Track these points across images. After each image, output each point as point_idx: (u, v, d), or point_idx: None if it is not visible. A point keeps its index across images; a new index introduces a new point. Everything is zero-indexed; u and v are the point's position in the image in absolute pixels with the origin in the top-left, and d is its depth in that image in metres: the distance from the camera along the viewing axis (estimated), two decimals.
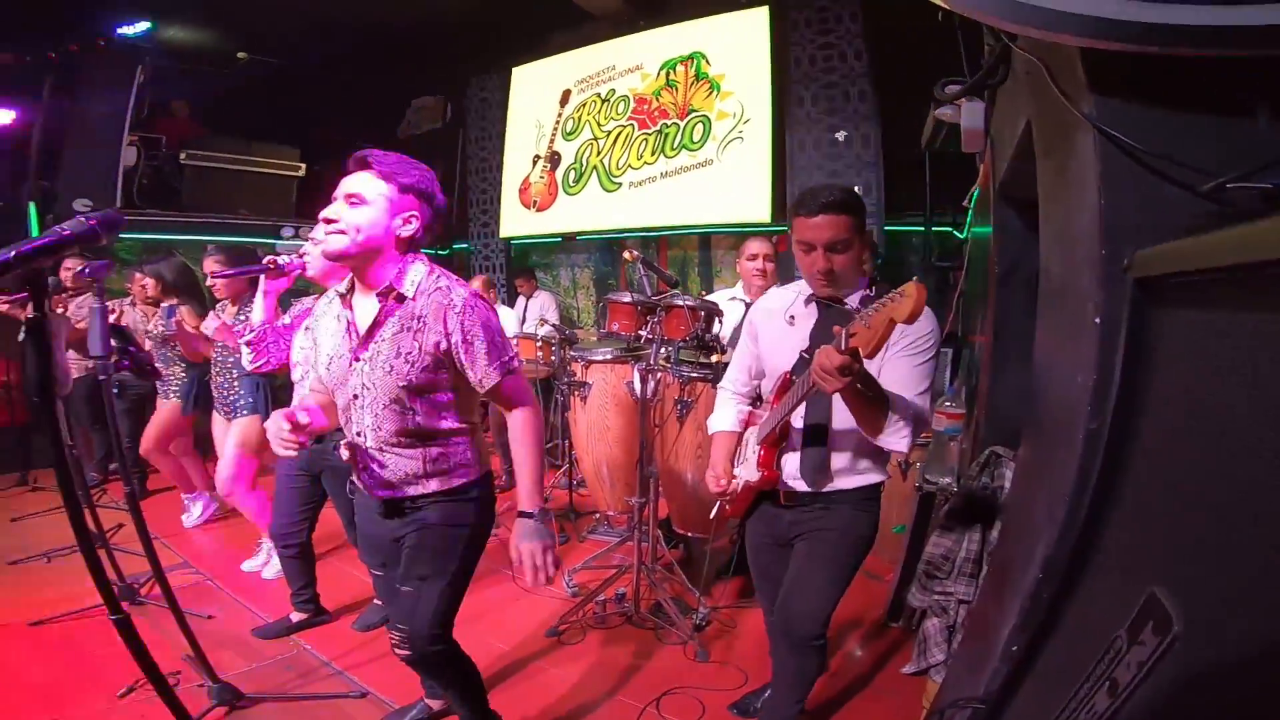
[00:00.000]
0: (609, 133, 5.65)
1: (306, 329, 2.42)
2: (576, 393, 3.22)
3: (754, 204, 4.76)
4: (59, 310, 4.00)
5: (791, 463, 1.72)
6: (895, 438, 1.53)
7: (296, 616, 2.68)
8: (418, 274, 1.53)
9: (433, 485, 1.60)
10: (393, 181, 1.48)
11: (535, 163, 6.11)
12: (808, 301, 1.73)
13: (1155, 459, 1.00)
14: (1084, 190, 1.09)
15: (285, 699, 2.24)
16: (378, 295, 1.52)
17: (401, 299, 1.51)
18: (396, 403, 1.54)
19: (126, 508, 3.52)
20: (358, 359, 1.54)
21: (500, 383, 1.55)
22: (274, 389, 3.00)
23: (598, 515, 3.71)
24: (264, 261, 2.37)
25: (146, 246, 5.22)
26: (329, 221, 1.47)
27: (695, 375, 2.77)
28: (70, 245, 1.13)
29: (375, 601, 2.73)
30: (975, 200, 3.07)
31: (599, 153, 5.71)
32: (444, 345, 1.50)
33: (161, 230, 5.32)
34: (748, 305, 3.16)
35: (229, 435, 2.99)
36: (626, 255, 2.72)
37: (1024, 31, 0.97)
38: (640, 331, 2.72)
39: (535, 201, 6.08)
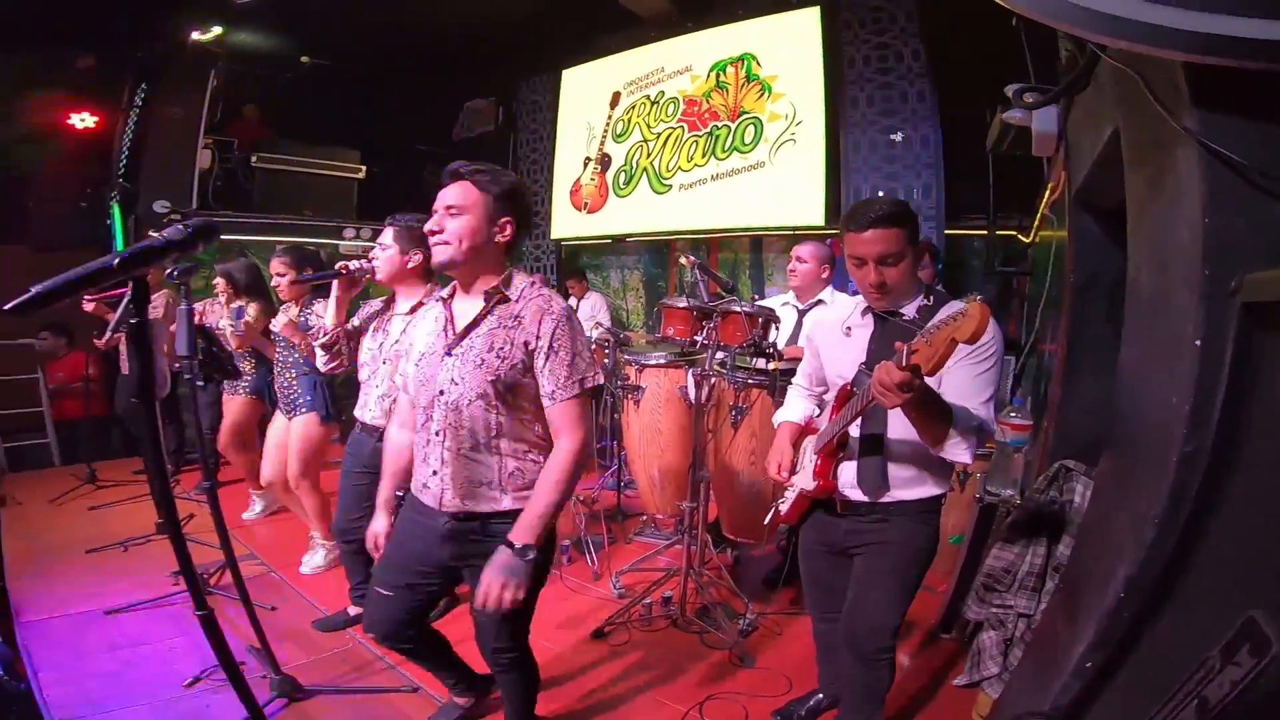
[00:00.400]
0: (659, 135, 5.66)
1: (374, 331, 2.52)
2: (630, 396, 3.25)
3: (807, 207, 4.71)
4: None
5: (848, 472, 1.72)
6: (957, 450, 1.52)
7: (354, 610, 2.75)
8: (521, 281, 1.64)
9: (505, 503, 1.61)
10: (486, 191, 1.57)
11: (586, 165, 6.17)
12: (864, 313, 1.74)
13: (1257, 485, 0.98)
14: (1183, 206, 1.06)
15: (340, 692, 2.31)
16: (484, 295, 1.60)
17: (505, 300, 1.60)
18: (482, 398, 1.56)
19: (196, 499, 3.74)
20: (450, 353, 1.60)
21: (568, 401, 1.56)
22: (333, 388, 3.10)
23: (645, 517, 3.74)
24: (337, 267, 2.46)
25: (220, 247, 5.41)
26: (433, 233, 1.57)
27: (751, 382, 2.77)
28: (169, 252, 1.18)
29: (346, 608, 2.78)
30: (1046, 204, 2.98)
31: (649, 155, 5.73)
32: (531, 345, 1.56)
33: (233, 231, 5.53)
34: (800, 311, 3.16)
35: (290, 433, 3.07)
36: (683, 261, 2.74)
37: (1130, 46, 0.95)
38: (696, 337, 2.73)
39: (586, 203, 6.15)
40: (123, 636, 2.64)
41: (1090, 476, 2.18)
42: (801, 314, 3.14)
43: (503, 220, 1.59)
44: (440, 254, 1.57)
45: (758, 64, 5.11)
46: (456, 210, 1.56)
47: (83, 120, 5.23)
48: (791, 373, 2.70)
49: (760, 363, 2.91)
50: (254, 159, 5.67)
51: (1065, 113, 2.17)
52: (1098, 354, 2.19)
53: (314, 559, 3.26)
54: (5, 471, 4.69)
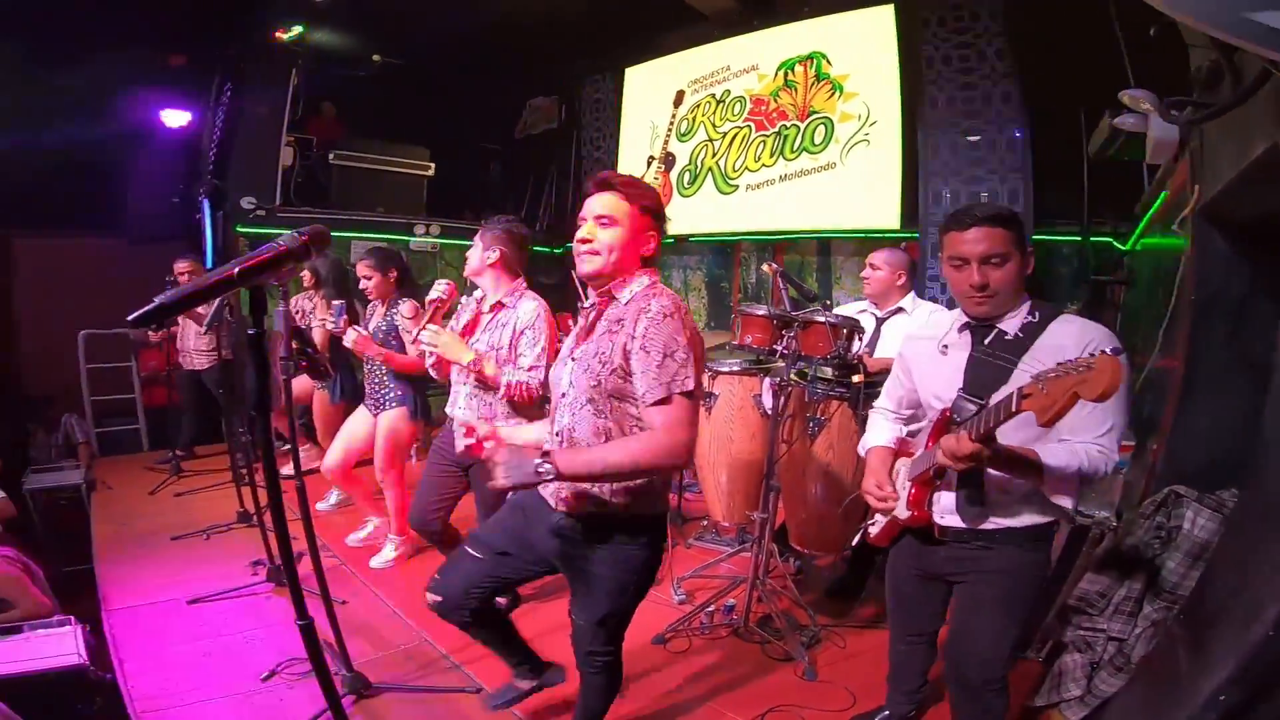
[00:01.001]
0: (724, 134, 5.60)
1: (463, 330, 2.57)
2: (701, 402, 3.22)
3: (882, 209, 4.58)
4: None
5: (946, 498, 1.63)
6: (1058, 496, 1.46)
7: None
8: (638, 285, 1.60)
9: (613, 506, 1.59)
10: (635, 203, 1.58)
11: (649, 164, 6.15)
12: (961, 329, 1.64)
13: None
14: None
15: (406, 690, 2.33)
16: (599, 299, 1.62)
17: (615, 302, 1.60)
18: (591, 403, 1.57)
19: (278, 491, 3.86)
20: (572, 358, 1.64)
21: (660, 402, 1.47)
22: (423, 384, 3.15)
23: (705, 522, 3.70)
24: (428, 303, 2.50)
25: None
26: (583, 242, 1.58)
27: (831, 394, 2.70)
28: (286, 261, 1.18)
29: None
30: (1155, 211, 2.81)
31: (714, 154, 5.67)
32: (628, 348, 1.52)
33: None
34: (879, 319, 3.07)
35: (378, 428, 3.15)
36: (766, 269, 2.70)
37: None
38: (775, 346, 2.68)
39: None
40: (203, 626, 2.72)
41: (1202, 503, 2.06)
42: (880, 322, 3.06)
43: (649, 232, 1.61)
44: (587, 264, 1.58)
45: (828, 63, 4.99)
46: (607, 221, 1.57)
47: (175, 118, 5.48)
48: (875, 385, 2.67)
49: (828, 370, 2.83)
50: (331, 156, 5.81)
51: (1189, 124, 2.03)
52: (1216, 377, 2.05)
53: (385, 554, 3.31)
54: (96, 456, 4.94)
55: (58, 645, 2.37)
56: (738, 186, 5.45)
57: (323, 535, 3.56)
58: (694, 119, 5.84)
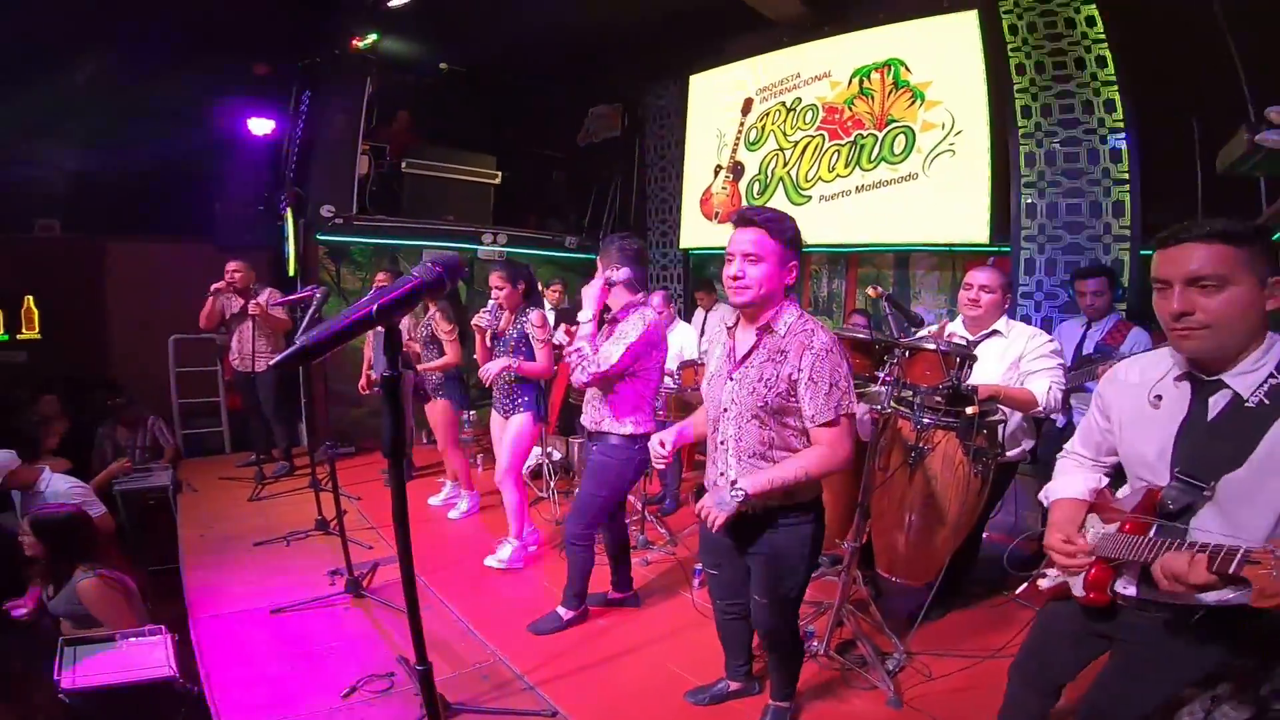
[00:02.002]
0: (796, 143, 5.46)
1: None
2: None
3: (969, 222, 4.39)
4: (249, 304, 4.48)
5: (1129, 573, 1.41)
6: None
7: (566, 614, 2.81)
8: (790, 316, 1.85)
9: (776, 499, 1.85)
10: (778, 239, 1.79)
11: (717, 173, 6.06)
12: (1180, 378, 1.35)
13: None
14: None
15: (482, 712, 2.31)
16: (756, 330, 1.86)
17: (773, 334, 1.84)
18: (755, 418, 1.86)
19: (349, 496, 3.86)
20: (730, 378, 1.91)
21: (825, 426, 1.79)
22: (546, 389, 3.32)
23: None
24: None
25: (376, 250, 5.71)
26: (735, 278, 1.80)
27: (939, 425, 2.56)
28: (422, 295, 1.17)
29: (556, 610, 2.85)
30: None
31: (785, 164, 5.54)
32: (794, 377, 1.80)
33: (385, 235, 5.75)
34: (970, 342, 2.91)
35: (505, 430, 3.25)
36: (870, 292, 2.59)
37: None
38: (877, 373, 2.56)
39: (717, 212, 6.03)
40: (286, 637, 2.75)
41: None
42: (970, 345, 2.90)
43: (791, 264, 1.83)
44: (740, 297, 1.82)
45: (906, 69, 4.81)
46: (755, 258, 1.79)
47: (260, 126, 5.63)
48: (986, 414, 2.53)
49: (936, 399, 2.69)
50: (404, 164, 5.87)
51: None
52: None
53: (501, 553, 3.39)
54: (182, 457, 5.11)
55: (149, 656, 2.42)
56: (810, 197, 5.32)
57: (394, 544, 3.63)
58: (763, 127, 5.73)
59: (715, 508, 1.80)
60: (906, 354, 2.50)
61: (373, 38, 5.49)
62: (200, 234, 5.30)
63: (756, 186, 5.73)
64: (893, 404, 2.59)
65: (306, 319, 3.16)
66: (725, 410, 1.92)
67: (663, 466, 2.09)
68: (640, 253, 2.69)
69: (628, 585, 3.06)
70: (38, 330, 5.39)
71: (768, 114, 5.70)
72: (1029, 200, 4.14)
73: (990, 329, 2.86)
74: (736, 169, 5.91)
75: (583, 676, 2.54)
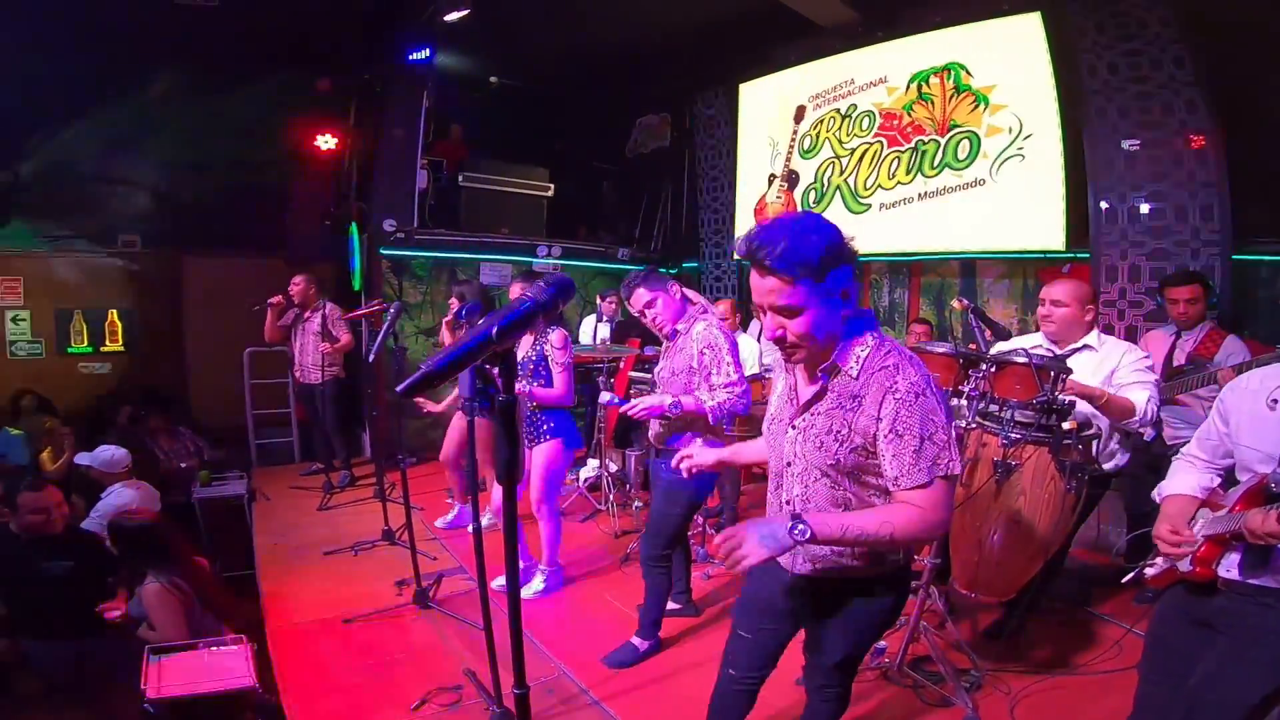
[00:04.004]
0: (853, 150, 5.39)
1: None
2: None
3: (1043, 228, 4.25)
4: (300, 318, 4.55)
5: (1232, 554, 1.51)
6: None
7: (641, 644, 2.72)
8: (864, 350, 1.40)
9: (853, 571, 1.51)
10: (805, 274, 1.30)
11: (771, 182, 6.02)
12: None
13: None
14: None
15: None
16: (820, 371, 1.44)
17: (840, 374, 1.41)
18: (826, 477, 1.46)
19: (415, 506, 3.78)
20: (792, 426, 1.50)
21: (921, 487, 1.32)
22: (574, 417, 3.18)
23: None
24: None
25: (435, 264, 5.81)
26: (778, 342, 1.40)
27: (1029, 440, 2.47)
28: (537, 315, 1.17)
29: (631, 640, 2.72)
30: None
31: (842, 171, 5.47)
32: (871, 430, 1.36)
33: (443, 249, 5.84)
34: (1059, 356, 2.80)
35: (532, 460, 3.12)
36: (955, 305, 2.52)
37: None
38: (961, 387, 2.48)
39: None
40: (356, 648, 2.78)
41: None
42: (1056, 358, 2.79)
43: (841, 289, 1.37)
44: (795, 359, 1.45)
45: (968, 73, 4.71)
46: (788, 310, 1.35)
47: (324, 142, 5.81)
48: (1083, 428, 2.44)
49: (1028, 414, 2.59)
50: (461, 178, 5.98)
51: None
52: None
53: (534, 584, 3.25)
54: (253, 466, 5.27)
55: (231, 665, 2.44)
56: (870, 205, 5.23)
57: (458, 555, 3.64)
58: (818, 135, 5.67)
59: (756, 542, 1.32)
60: (994, 368, 2.42)
61: (426, 52, 5.57)
62: (271, 249, 5.50)
63: (813, 195, 5.67)
64: (977, 418, 2.52)
65: (383, 333, 3.22)
66: (789, 465, 1.52)
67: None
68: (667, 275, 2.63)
69: (687, 596, 3.02)
70: (120, 343, 5.66)
71: (822, 121, 5.65)
72: (1108, 205, 4.00)
73: (1081, 343, 2.75)
74: (791, 177, 5.86)
75: (646, 691, 2.51)
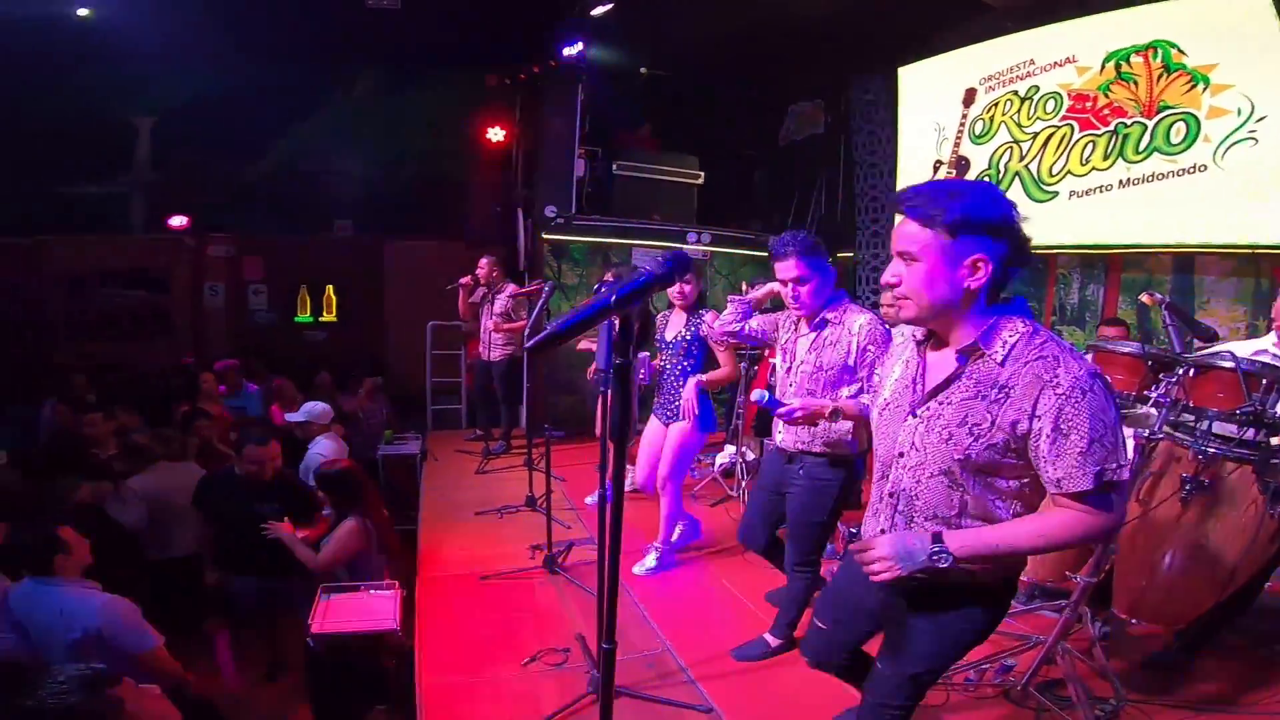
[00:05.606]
0: (1035, 134, 4.88)
1: (782, 351, 2.52)
2: None
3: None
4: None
5: None
6: None
7: (773, 640, 2.64)
8: (1013, 335, 1.28)
9: (954, 576, 1.35)
10: (935, 226, 1.25)
11: (937, 169, 5.62)
12: None
13: None
14: None
15: (639, 698, 2.31)
16: (957, 353, 1.32)
17: (983, 359, 1.29)
18: (946, 474, 1.33)
19: (557, 477, 3.83)
20: (913, 413, 1.38)
21: (1086, 493, 1.22)
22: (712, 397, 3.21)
23: None
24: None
25: (591, 249, 6.16)
26: (890, 286, 1.33)
27: (1230, 455, 2.17)
28: (654, 287, 1.24)
29: (764, 636, 2.67)
30: None
31: (1021, 157, 4.98)
32: (1024, 427, 1.24)
33: (599, 235, 6.16)
34: None
35: (668, 438, 3.22)
36: (1145, 299, 2.26)
37: None
38: (1147, 392, 2.23)
39: None
40: (487, 603, 2.99)
41: None
42: None
43: (972, 258, 1.26)
44: (902, 314, 1.35)
45: (1180, 52, 4.10)
46: (908, 257, 1.29)
47: (495, 134, 6.34)
48: None
49: (1229, 426, 2.26)
50: (615, 166, 6.22)
51: None
52: None
53: (647, 561, 3.32)
54: (428, 428, 5.92)
55: (380, 608, 2.71)
56: (1057, 193, 4.72)
57: (592, 527, 3.72)
58: (991, 118, 5.20)
59: (895, 560, 1.29)
60: (1191, 372, 2.15)
61: (579, 46, 5.76)
62: (452, 234, 6.16)
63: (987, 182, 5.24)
64: (1166, 428, 2.25)
65: (536, 310, 3.51)
66: (901, 455, 1.40)
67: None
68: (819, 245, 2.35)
69: (790, 631, 2.80)
70: (334, 315, 6.68)
71: (996, 104, 5.17)
72: None
73: None
74: (960, 164, 5.44)
75: (744, 678, 2.50)
